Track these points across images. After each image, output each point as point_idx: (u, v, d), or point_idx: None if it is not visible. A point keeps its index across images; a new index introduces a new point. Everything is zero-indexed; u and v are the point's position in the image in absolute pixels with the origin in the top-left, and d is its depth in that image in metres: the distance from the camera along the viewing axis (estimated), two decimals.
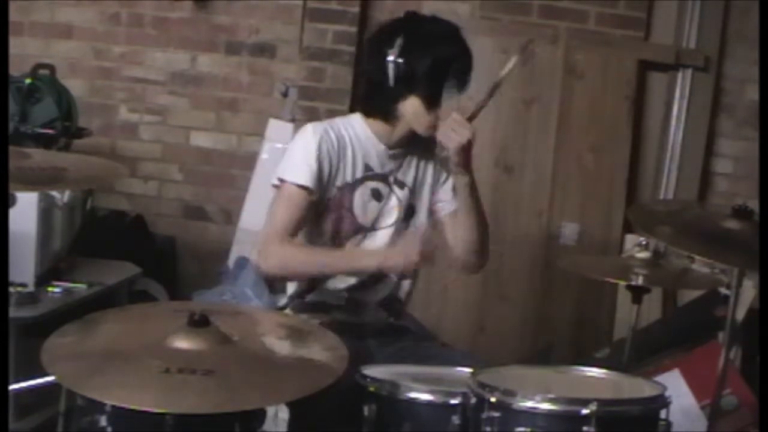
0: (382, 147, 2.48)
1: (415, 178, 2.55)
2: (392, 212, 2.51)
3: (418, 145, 2.53)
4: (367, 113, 2.48)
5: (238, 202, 4.16)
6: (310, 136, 2.42)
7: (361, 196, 2.47)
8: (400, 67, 2.37)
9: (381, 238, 2.50)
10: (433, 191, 2.58)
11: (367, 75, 2.52)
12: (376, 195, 2.49)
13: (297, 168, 2.39)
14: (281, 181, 2.41)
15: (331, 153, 2.41)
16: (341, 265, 2.43)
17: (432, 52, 2.38)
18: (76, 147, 3.74)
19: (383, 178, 2.50)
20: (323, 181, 2.40)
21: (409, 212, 2.54)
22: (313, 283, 2.51)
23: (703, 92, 4.24)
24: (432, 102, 2.40)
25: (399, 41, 2.38)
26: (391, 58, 2.38)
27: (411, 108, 2.41)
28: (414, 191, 2.55)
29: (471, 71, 2.45)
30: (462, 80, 2.42)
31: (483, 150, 4.13)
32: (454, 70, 2.40)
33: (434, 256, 2.33)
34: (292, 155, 2.42)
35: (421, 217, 2.55)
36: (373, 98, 2.47)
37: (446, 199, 2.60)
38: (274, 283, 3.40)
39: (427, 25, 2.46)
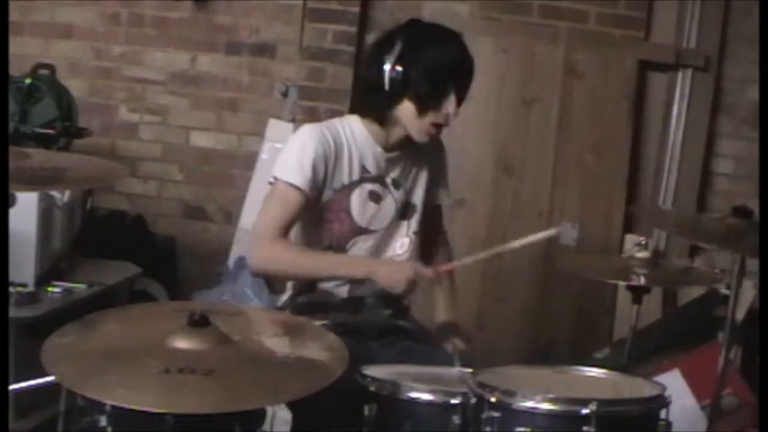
0: (378, 149, 2.49)
1: (411, 180, 2.56)
2: (389, 213, 2.51)
3: (414, 147, 2.53)
4: (363, 115, 2.49)
5: (238, 202, 4.16)
6: (306, 137, 2.42)
7: (358, 197, 2.47)
8: (396, 71, 2.38)
9: (378, 239, 2.50)
10: (428, 191, 2.60)
11: (365, 79, 2.53)
12: (374, 196, 2.49)
13: (291, 168, 2.39)
14: (275, 179, 2.41)
15: (327, 155, 2.41)
16: (328, 271, 2.44)
17: (427, 57, 2.38)
18: (76, 147, 3.74)
19: (380, 179, 2.50)
20: (318, 183, 2.40)
21: (404, 213, 2.55)
22: (312, 282, 2.51)
23: (703, 92, 4.24)
24: (426, 107, 2.40)
25: (397, 46, 2.39)
26: (388, 62, 2.39)
27: (405, 112, 2.42)
28: (410, 192, 2.56)
29: (470, 78, 2.46)
30: (460, 86, 2.42)
31: (483, 150, 4.15)
32: (452, 76, 2.40)
33: (419, 284, 2.38)
34: (287, 155, 2.42)
35: (416, 217, 2.57)
36: (369, 101, 2.47)
37: (441, 197, 2.67)
38: (273, 283, 3.39)
39: (425, 31, 2.46)
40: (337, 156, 2.43)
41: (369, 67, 2.50)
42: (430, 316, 2.70)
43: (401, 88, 2.39)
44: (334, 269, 2.44)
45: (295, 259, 2.40)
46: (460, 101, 2.42)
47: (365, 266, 2.41)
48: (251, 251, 2.42)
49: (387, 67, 2.38)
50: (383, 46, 2.43)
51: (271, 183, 2.43)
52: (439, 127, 2.44)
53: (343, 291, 2.49)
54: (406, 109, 2.41)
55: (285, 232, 2.39)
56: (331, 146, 2.42)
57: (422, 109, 2.40)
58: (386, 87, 2.39)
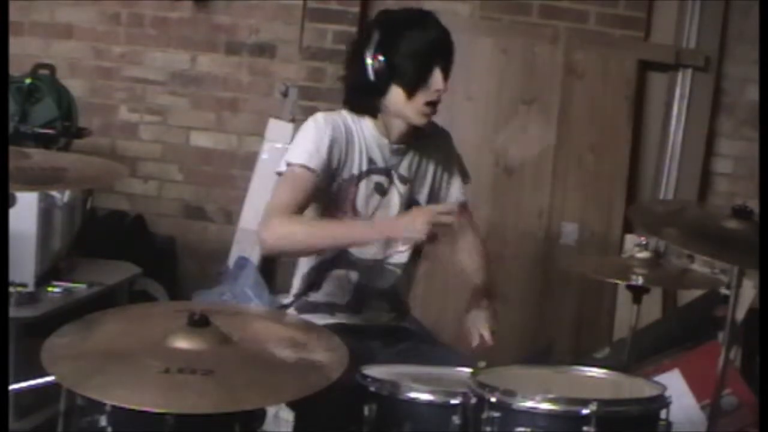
0: (385, 141, 2.49)
1: (417, 173, 2.57)
2: (393, 206, 2.51)
3: (421, 142, 2.54)
4: (356, 113, 2.49)
5: (238, 202, 4.16)
6: (322, 123, 2.42)
7: (364, 189, 2.47)
8: (377, 60, 2.39)
9: None
10: (437, 186, 2.61)
11: (349, 78, 2.52)
12: (379, 189, 2.50)
13: (305, 151, 2.38)
14: (288, 165, 2.40)
15: (340, 143, 2.42)
16: (345, 237, 2.39)
17: (404, 39, 2.40)
18: (76, 147, 3.74)
19: (386, 172, 2.51)
20: (331, 168, 2.40)
21: (409, 207, 2.54)
22: (317, 280, 2.51)
23: (703, 92, 4.24)
24: (413, 88, 2.40)
25: (374, 37, 2.41)
26: (368, 55, 2.40)
27: (395, 99, 2.42)
28: (415, 186, 2.56)
29: (450, 50, 2.45)
30: (442, 60, 2.42)
31: (483, 150, 4.15)
32: (431, 51, 2.41)
33: (440, 235, 2.27)
34: (301, 140, 2.42)
35: None
36: (358, 99, 2.48)
37: (454, 194, 2.65)
38: (275, 281, 3.39)
39: (397, 17, 2.48)
40: (349, 145, 2.44)
41: (351, 65, 2.50)
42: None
43: (386, 76, 2.40)
44: (350, 235, 2.39)
45: (309, 230, 2.36)
46: (445, 76, 2.42)
47: (382, 228, 2.38)
48: (262, 230, 2.33)
49: (368, 59, 2.40)
50: (361, 43, 2.46)
51: (280, 173, 2.41)
52: (432, 105, 2.44)
53: (351, 286, 2.49)
54: (395, 95, 2.42)
55: (298, 212, 2.36)
56: (344, 135, 2.43)
57: (411, 90, 2.40)
58: (371, 78, 2.40)
